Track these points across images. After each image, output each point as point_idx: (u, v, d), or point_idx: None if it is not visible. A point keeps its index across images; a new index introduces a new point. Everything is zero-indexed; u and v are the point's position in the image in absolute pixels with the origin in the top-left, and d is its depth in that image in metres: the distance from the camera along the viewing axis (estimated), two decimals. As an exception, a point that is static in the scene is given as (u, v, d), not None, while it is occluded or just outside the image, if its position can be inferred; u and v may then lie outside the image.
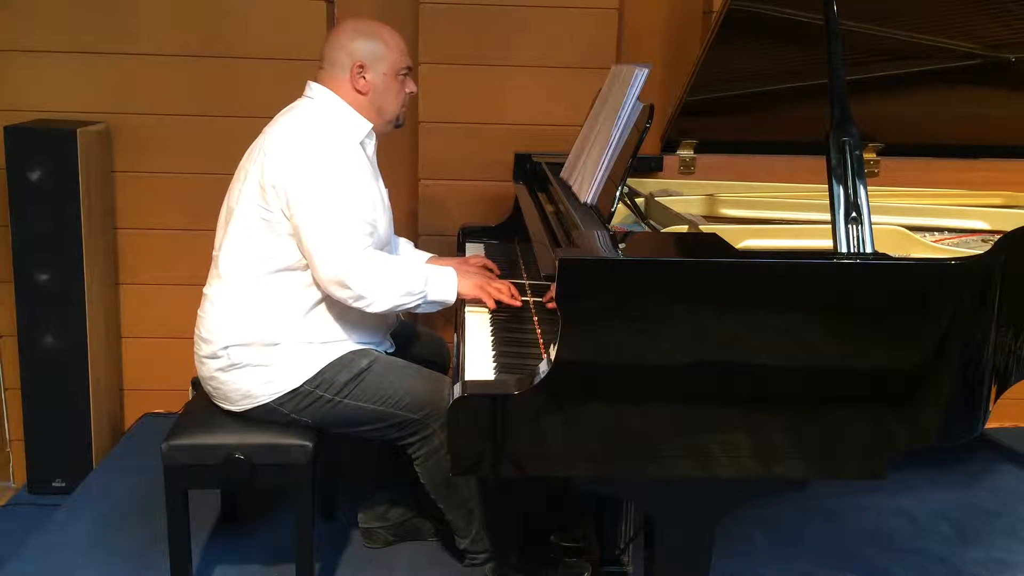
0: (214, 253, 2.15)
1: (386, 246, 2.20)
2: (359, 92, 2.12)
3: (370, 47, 2.11)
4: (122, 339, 3.14)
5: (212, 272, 2.15)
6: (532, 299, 2.17)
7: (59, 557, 2.39)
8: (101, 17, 2.90)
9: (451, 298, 2.10)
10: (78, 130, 2.76)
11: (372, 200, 2.10)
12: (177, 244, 3.05)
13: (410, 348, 2.40)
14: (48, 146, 2.74)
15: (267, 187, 2.01)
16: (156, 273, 3.09)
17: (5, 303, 2.94)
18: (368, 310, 2.02)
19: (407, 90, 2.20)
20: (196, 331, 2.15)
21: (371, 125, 2.15)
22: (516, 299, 2.12)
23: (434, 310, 2.15)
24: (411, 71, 2.20)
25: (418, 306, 2.08)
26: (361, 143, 2.14)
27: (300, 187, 1.99)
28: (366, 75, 2.11)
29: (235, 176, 2.14)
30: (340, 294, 2.00)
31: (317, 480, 2.13)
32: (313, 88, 2.14)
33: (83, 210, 2.80)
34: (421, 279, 2.06)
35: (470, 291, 2.11)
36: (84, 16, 2.89)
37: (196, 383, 2.26)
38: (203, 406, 2.18)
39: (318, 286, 2.05)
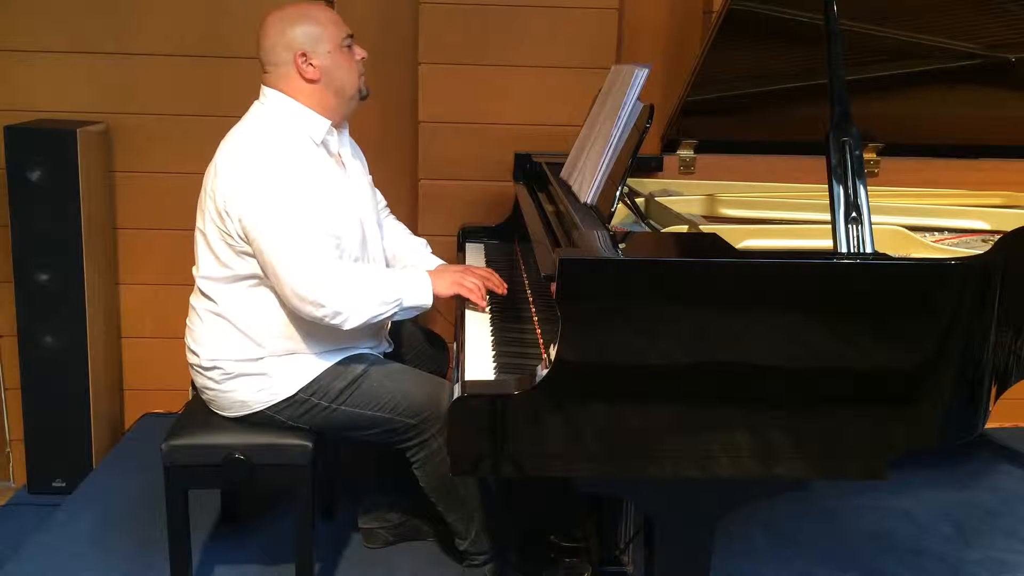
0: (193, 269, 2.11)
1: (363, 245, 2.12)
2: (311, 81, 2.02)
3: (304, 31, 2.00)
4: (122, 339, 3.14)
5: (196, 285, 2.11)
6: (532, 299, 2.17)
7: (59, 557, 2.39)
8: (101, 17, 2.90)
9: (427, 302, 2.04)
10: (78, 130, 2.76)
11: (335, 209, 2.02)
12: (177, 244, 3.05)
13: (409, 351, 2.40)
14: (48, 146, 2.74)
15: (222, 212, 1.95)
16: (156, 273, 3.09)
17: (5, 303, 2.94)
18: (344, 327, 1.94)
19: (357, 57, 2.09)
20: (185, 340, 2.14)
21: (329, 122, 2.05)
22: (497, 286, 2.11)
23: (412, 316, 2.10)
24: (353, 38, 2.08)
25: (395, 314, 2.02)
26: (323, 141, 2.06)
27: (252, 212, 1.91)
28: (312, 62, 2.01)
29: (200, 194, 2.06)
30: (315, 314, 1.92)
31: (317, 480, 2.13)
32: (265, 93, 2.06)
33: (83, 210, 2.80)
34: (394, 287, 2.00)
35: (447, 289, 2.07)
36: (84, 16, 2.89)
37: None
38: (203, 406, 2.17)
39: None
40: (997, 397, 1.76)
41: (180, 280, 3.03)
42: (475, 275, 2.14)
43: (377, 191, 2.42)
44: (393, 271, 2.12)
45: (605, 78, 2.33)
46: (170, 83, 2.95)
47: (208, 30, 2.93)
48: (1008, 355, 1.79)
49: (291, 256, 1.91)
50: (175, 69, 2.95)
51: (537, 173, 2.72)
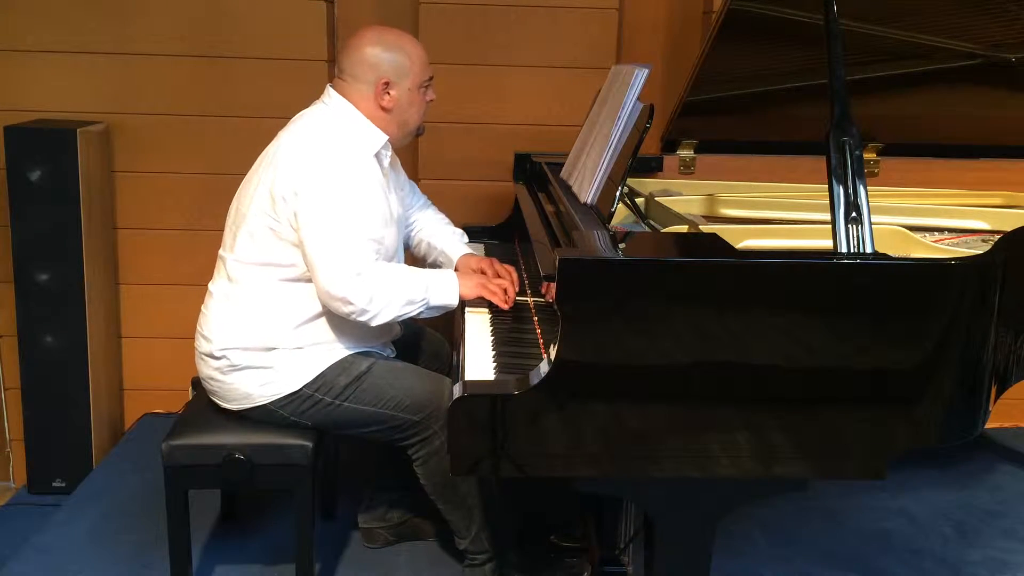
0: (220, 253, 2.13)
1: (393, 258, 2.17)
2: (383, 108, 2.09)
3: (395, 61, 2.07)
4: (122, 339, 3.14)
5: (218, 270, 2.13)
6: (532, 299, 2.17)
7: (59, 557, 2.39)
8: (101, 17, 2.90)
9: (453, 302, 2.08)
10: (78, 130, 2.76)
11: (382, 216, 2.07)
12: (177, 244, 3.05)
13: (411, 349, 2.40)
14: (48, 146, 2.74)
15: (277, 198, 1.99)
16: (156, 273, 3.09)
17: (5, 303, 2.94)
18: (371, 324, 2.00)
19: (428, 99, 2.17)
20: (198, 327, 2.15)
21: (387, 137, 2.11)
22: (512, 284, 2.12)
23: (438, 315, 2.12)
24: (432, 80, 2.17)
25: (421, 313, 2.06)
26: (377, 155, 2.11)
27: (308, 203, 1.97)
28: (391, 91, 2.08)
29: (247, 178, 2.12)
30: (343, 310, 1.98)
31: (317, 480, 2.13)
32: (331, 95, 2.11)
33: (83, 210, 2.80)
34: (422, 286, 2.04)
35: (472, 291, 2.09)
36: (84, 16, 2.89)
37: (196, 383, 2.26)
38: (203, 406, 2.18)
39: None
40: (997, 397, 1.76)
41: (180, 280, 3.05)
42: (500, 278, 2.16)
43: (415, 186, 2.47)
44: (421, 271, 2.14)
45: (605, 78, 2.33)
46: (170, 83, 2.95)
47: (208, 30, 2.93)
48: (1008, 355, 1.79)
49: (331, 255, 1.96)
50: (175, 69, 2.95)
51: (537, 173, 2.72)
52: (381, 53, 2.07)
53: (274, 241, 2.03)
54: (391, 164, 2.23)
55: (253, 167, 2.12)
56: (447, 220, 2.48)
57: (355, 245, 1.98)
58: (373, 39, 2.09)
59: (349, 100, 2.09)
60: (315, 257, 1.97)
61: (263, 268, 2.05)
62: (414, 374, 2.13)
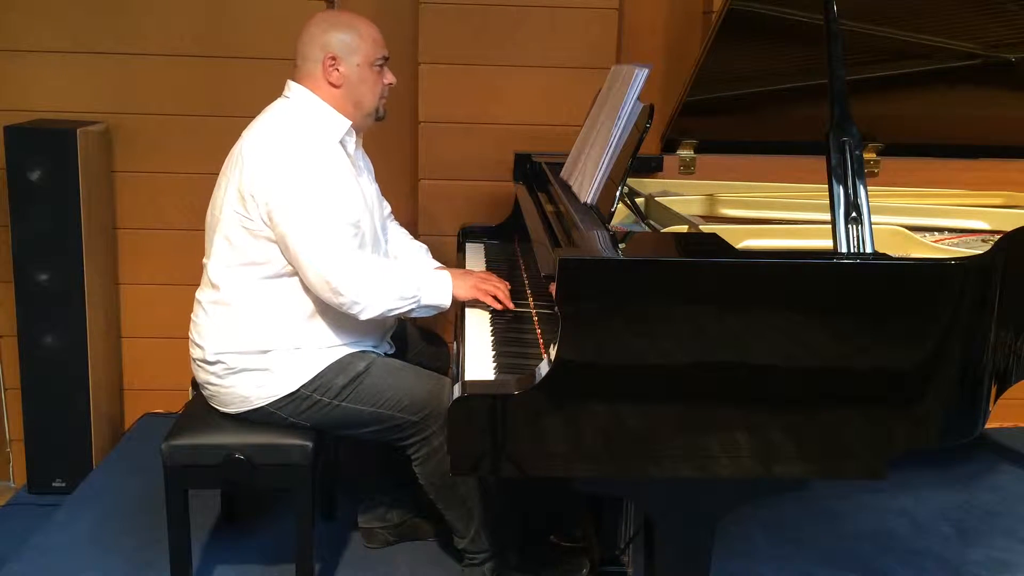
0: (203, 260, 2.13)
1: (374, 246, 2.17)
2: (332, 85, 2.09)
3: (342, 38, 2.08)
4: (122, 339, 3.14)
5: (203, 278, 2.13)
6: (532, 299, 2.17)
7: (59, 557, 2.39)
8: (101, 17, 2.90)
9: (446, 302, 2.08)
10: (78, 130, 2.77)
11: (354, 199, 2.07)
12: (177, 244, 3.05)
13: (410, 349, 2.40)
14: (48, 146, 2.74)
15: (246, 196, 1.99)
16: (156, 273, 3.09)
17: (5, 303, 2.94)
18: (360, 316, 2.00)
19: (385, 81, 2.16)
20: (190, 335, 2.15)
21: (350, 122, 2.12)
22: (509, 299, 2.11)
23: (430, 314, 2.12)
24: (387, 61, 2.16)
25: (412, 310, 2.05)
26: (342, 141, 2.11)
27: (279, 197, 1.97)
28: (339, 67, 2.08)
29: (217, 183, 2.11)
30: (333, 301, 1.98)
31: (317, 480, 2.13)
32: (291, 87, 2.12)
33: (83, 210, 2.80)
34: (414, 283, 2.04)
35: (466, 293, 2.10)
36: (84, 16, 2.90)
37: (196, 383, 2.26)
38: (203, 406, 2.18)
39: (308, 292, 2.04)
40: (997, 397, 1.76)
41: (180, 280, 3.04)
42: (496, 281, 2.16)
43: (384, 200, 2.44)
44: (416, 268, 2.14)
45: (605, 78, 2.33)
46: (170, 83, 2.95)
47: (208, 30, 2.93)
48: (1008, 355, 1.79)
49: (315, 243, 1.96)
50: (175, 69, 2.95)
51: (537, 173, 2.72)
52: (329, 31, 2.08)
53: (251, 241, 2.02)
54: (360, 152, 2.22)
55: (222, 169, 2.11)
56: (409, 235, 2.50)
57: (333, 231, 1.98)
58: (322, 20, 2.11)
59: (305, 86, 2.10)
60: (298, 250, 1.97)
61: (244, 269, 2.04)
62: (413, 374, 2.12)
